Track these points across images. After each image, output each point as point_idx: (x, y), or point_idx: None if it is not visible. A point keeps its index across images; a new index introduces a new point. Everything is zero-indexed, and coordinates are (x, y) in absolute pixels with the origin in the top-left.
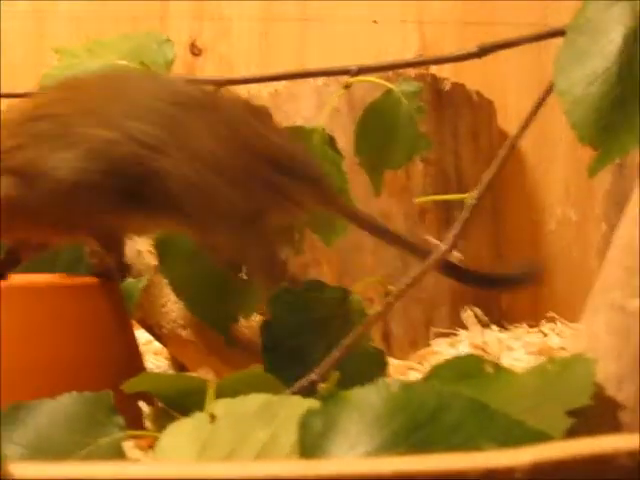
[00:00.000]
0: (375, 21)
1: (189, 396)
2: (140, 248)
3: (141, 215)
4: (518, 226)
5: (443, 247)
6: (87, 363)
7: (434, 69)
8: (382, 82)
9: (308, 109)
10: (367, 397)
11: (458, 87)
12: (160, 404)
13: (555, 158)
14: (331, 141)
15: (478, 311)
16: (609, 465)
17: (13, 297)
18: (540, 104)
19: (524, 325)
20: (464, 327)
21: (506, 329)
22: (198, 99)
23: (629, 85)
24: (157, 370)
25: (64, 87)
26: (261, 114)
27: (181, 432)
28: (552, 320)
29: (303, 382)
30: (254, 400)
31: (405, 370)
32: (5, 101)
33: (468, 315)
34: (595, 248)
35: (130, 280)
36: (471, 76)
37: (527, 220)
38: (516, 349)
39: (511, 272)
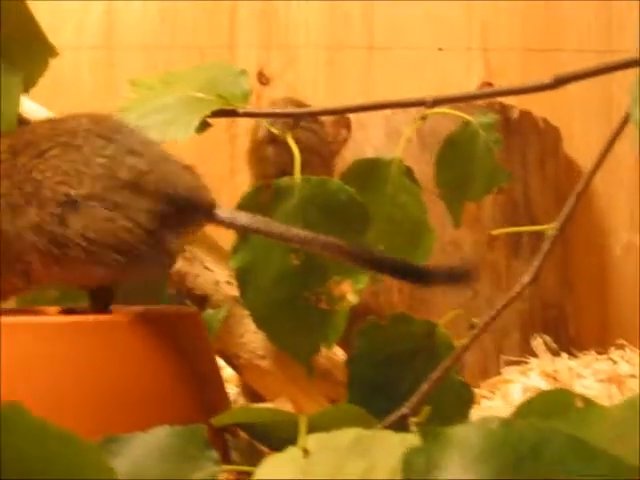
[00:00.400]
0: (440, 48)
1: (278, 430)
2: (218, 279)
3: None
4: (584, 252)
5: (527, 278)
6: (176, 395)
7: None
8: (459, 114)
9: (377, 137)
10: (467, 435)
11: (526, 115)
12: (245, 436)
13: (621, 184)
14: (408, 172)
15: (548, 339)
16: None
17: (106, 330)
18: (616, 137)
19: (592, 352)
20: (534, 355)
21: (575, 356)
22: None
23: None
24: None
25: None
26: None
27: (276, 466)
28: (621, 347)
29: (394, 416)
30: (347, 434)
31: (478, 398)
32: None
33: (538, 343)
34: None
35: (209, 311)
36: (537, 102)
37: (593, 246)
38: (586, 377)
39: (440, 268)
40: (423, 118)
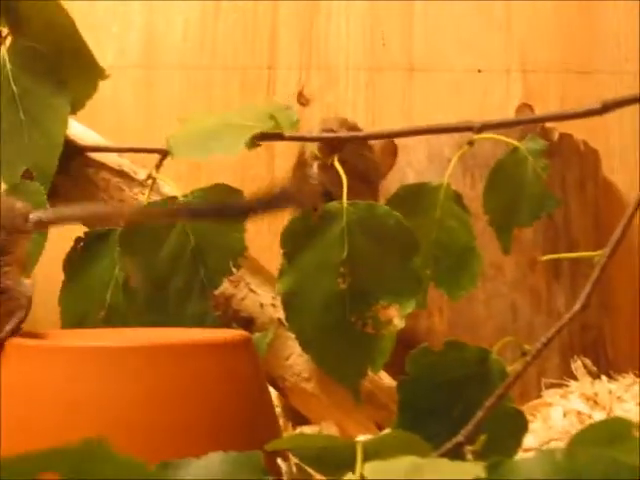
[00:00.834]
0: (479, 70)
1: (332, 455)
2: (263, 301)
3: None
4: (622, 273)
5: (577, 307)
6: (230, 420)
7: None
8: (507, 140)
9: (419, 160)
10: (532, 466)
11: (566, 137)
12: (296, 461)
13: None
14: (457, 197)
15: (587, 361)
16: None
17: (159, 356)
18: None
19: (631, 375)
20: (574, 377)
21: (614, 379)
22: None
23: None
24: None
25: None
26: None
27: None
28: None
29: (449, 444)
30: (403, 462)
31: None
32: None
33: (578, 366)
34: None
35: (256, 334)
36: (575, 124)
37: (631, 267)
38: (627, 400)
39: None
40: (470, 143)
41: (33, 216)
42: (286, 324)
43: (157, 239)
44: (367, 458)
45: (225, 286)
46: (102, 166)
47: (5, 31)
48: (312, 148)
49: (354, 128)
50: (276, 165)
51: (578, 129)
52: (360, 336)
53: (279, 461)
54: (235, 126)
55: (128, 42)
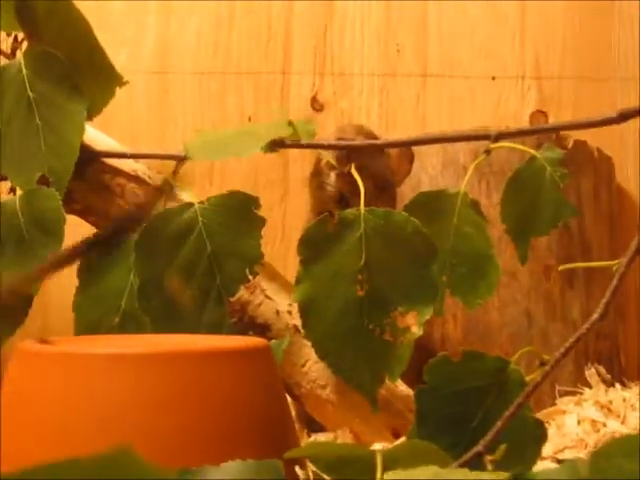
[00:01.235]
0: (494, 77)
1: (352, 464)
2: (279, 308)
3: None
4: (632, 282)
5: (595, 316)
6: (248, 428)
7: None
8: (525, 149)
9: (434, 166)
10: (554, 478)
11: (580, 144)
12: (314, 469)
13: None
14: (474, 205)
15: (601, 369)
16: None
17: (179, 363)
18: None
19: None
20: (588, 385)
21: (627, 387)
22: None
23: None
24: None
25: None
26: None
27: None
28: None
29: (469, 454)
30: (424, 472)
31: None
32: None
33: (592, 373)
34: None
35: (273, 342)
36: (589, 131)
37: None
38: None
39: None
40: (487, 152)
41: None
42: (302, 331)
43: (174, 246)
44: (386, 467)
45: (241, 293)
46: (118, 171)
47: (21, 36)
48: (328, 156)
49: (370, 136)
50: (290, 171)
51: (592, 136)
52: (378, 344)
53: (297, 469)
54: (252, 133)
55: (142, 47)
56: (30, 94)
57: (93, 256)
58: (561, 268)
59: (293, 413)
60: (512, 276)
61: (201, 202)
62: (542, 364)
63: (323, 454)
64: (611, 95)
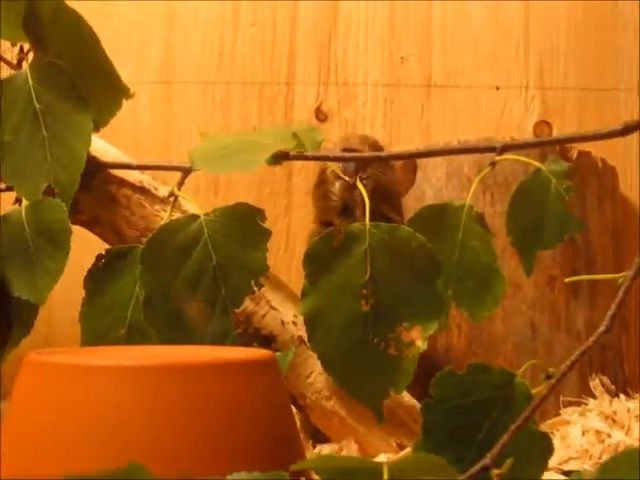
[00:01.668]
0: (497, 87)
1: (358, 477)
2: (284, 319)
3: None
4: (634, 292)
5: (601, 329)
6: (254, 440)
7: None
8: (530, 161)
9: (438, 177)
10: None
11: (585, 155)
12: None
13: None
14: (479, 218)
15: (605, 380)
16: None
17: (183, 375)
18: None
19: None
20: (592, 396)
21: (632, 397)
22: None
23: None
24: None
25: None
26: None
27: None
28: None
29: (476, 467)
30: None
31: None
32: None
33: (596, 384)
34: None
35: (278, 353)
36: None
37: None
38: None
39: None
40: (492, 165)
41: None
42: (307, 343)
43: (179, 257)
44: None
45: (246, 304)
46: (123, 182)
47: (26, 47)
48: (334, 165)
49: (376, 145)
50: (294, 181)
51: (596, 146)
52: (382, 357)
53: None
54: (256, 144)
55: (147, 57)
56: (36, 105)
57: (99, 267)
58: (567, 280)
59: (298, 424)
60: (517, 287)
61: (207, 214)
62: (548, 377)
63: (329, 466)
64: (615, 105)
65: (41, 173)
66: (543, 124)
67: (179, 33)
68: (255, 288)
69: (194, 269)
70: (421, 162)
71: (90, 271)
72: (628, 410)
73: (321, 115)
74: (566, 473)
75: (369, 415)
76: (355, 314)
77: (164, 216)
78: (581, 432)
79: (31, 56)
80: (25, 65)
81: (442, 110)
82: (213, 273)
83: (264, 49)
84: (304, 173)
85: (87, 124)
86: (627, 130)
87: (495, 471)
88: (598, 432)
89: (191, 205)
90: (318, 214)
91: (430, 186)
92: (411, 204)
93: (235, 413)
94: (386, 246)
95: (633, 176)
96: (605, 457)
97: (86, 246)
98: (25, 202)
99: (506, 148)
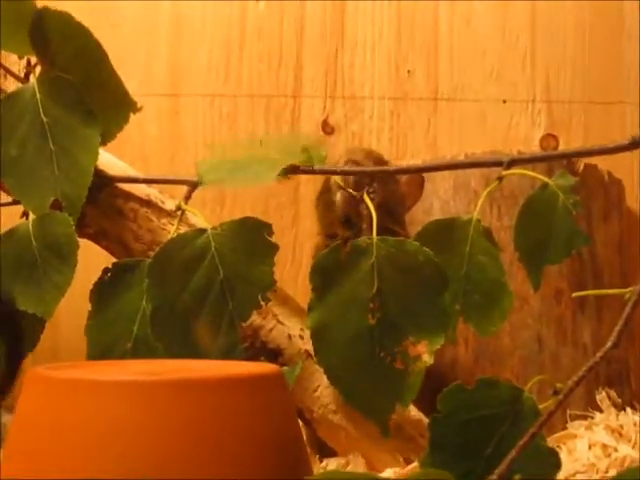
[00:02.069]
0: (504, 100)
1: None
2: (291, 332)
3: None
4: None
5: (608, 345)
6: (262, 454)
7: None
8: (537, 175)
9: (445, 190)
10: None
11: (591, 168)
12: None
13: None
14: (487, 233)
15: (612, 393)
16: None
17: (190, 390)
18: None
19: None
20: (599, 409)
21: (638, 411)
22: None
23: None
24: None
25: None
26: None
27: None
28: None
29: None
30: None
31: None
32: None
33: (602, 397)
34: None
35: (285, 368)
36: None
37: None
38: None
39: None
40: (500, 179)
41: None
42: (314, 357)
43: (186, 271)
44: None
45: (253, 318)
46: (130, 196)
47: (33, 60)
48: (337, 177)
49: (379, 159)
50: (300, 193)
51: (602, 159)
52: (389, 372)
53: None
54: (264, 158)
55: (154, 70)
56: (44, 119)
57: (106, 280)
58: (574, 295)
59: (304, 438)
60: (524, 300)
61: (214, 228)
62: (555, 393)
63: None
64: (621, 118)
65: (48, 187)
66: (550, 137)
67: (186, 46)
68: (262, 302)
69: (201, 283)
70: (429, 175)
71: (96, 284)
72: (635, 424)
73: (328, 128)
74: None
75: (376, 429)
76: (362, 328)
77: (171, 230)
78: (587, 446)
79: (38, 69)
80: (32, 78)
81: (449, 123)
82: (220, 287)
83: (271, 62)
84: (312, 185)
85: (94, 137)
86: (634, 145)
87: None
88: (605, 446)
89: (198, 219)
90: (321, 226)
91: (437, 198)
92: (419, 217)
93: (243, 428)
94: (393, 260)
95: (637, 188)
96: (612, 471)
97: (93, 259)
98: (32, 216)
99: (513, 162)
